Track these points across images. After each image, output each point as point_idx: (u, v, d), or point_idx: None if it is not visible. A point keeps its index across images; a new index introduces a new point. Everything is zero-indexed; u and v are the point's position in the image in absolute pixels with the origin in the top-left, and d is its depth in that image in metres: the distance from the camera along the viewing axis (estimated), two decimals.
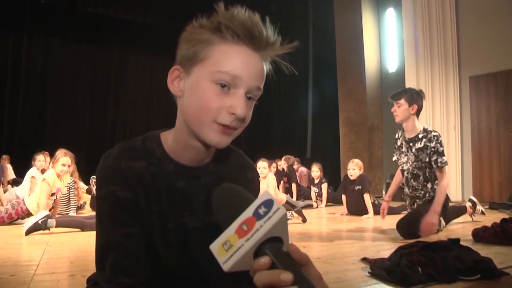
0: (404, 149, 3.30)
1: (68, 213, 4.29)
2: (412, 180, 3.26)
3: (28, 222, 3.11)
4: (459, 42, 6.61)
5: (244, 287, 0.84)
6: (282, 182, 6.59)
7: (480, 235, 2.83)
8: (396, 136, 3.42)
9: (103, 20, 9.19)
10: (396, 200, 6.03)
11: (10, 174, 7.05)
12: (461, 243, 2.15)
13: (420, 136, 3.17)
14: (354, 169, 4.80)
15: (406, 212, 3.82)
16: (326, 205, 5.95)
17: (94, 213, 4.22)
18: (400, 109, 3.18)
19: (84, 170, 5.75)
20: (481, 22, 6.32)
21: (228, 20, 0.74)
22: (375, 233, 3.53)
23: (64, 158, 3.88)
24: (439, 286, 1.75)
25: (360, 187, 4.72)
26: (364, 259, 2.20)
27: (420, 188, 3.23)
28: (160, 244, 0.85)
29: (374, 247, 2.75)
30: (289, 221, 3.96)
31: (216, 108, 0.75)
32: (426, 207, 3.17)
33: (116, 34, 9.52)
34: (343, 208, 4.93)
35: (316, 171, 6.07)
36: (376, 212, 4.66)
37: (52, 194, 3.85)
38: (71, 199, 4.41)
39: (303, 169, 7.33)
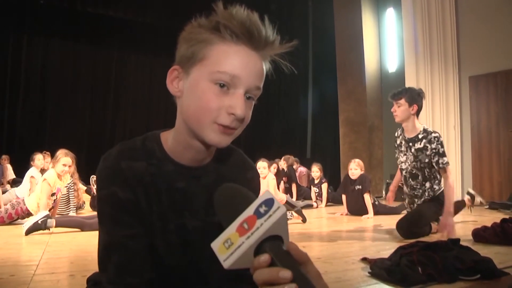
0: (403, 148, 3.30)
1: (68, 213, 4.28)
2: (410, 180, 3.26)
3: (28, 222, 3.10)
4: (459, 42, 6.61)
5: (244, 287, 0.85)
6: (282, 182, 6.59)
7: (480, 235, 2.83)
8: (396, 134, 3.41)
9: (102, 20, 9.20)
10: (396, 200, 6.04)
11: (10, 174, 7.05)
12: (461, 243, 2.15)
13: (420, 136, 3.17)
14: (356, 168, 4.80)
15: (406, 211, 3.82)
16: (326, 205, 5.95)
17: (94, 213, 4.25)
18: (400, 109, 3.17)
19: (84, 170, 5.75)
20: (481, 21, 6.31)
21: (226, 20, 0.74)
22: (375, 233, 3.53)
23: (65, 158, 3.88)
24: (439, 286, 1.75)
25: (360, 186, 4.72)
26: (364, 259, 2.20)
27: (418, 187, 3.23)
28: (161, 244, 0.85)
29: (374, 247, 2.75)
30: (289, 221, 3.96)
31: (216, 108, 0.75)
32: (425, 207, 3.18)
33: (116, 34, 9.52)
34: (343, 208, 4.92)
35: (316, 171, 6.07)
36: (376, 212, 4.67)
37: (53, 194, 3.85)
38: (70, 200, 4.41)
39: (302, 169, 7.33)
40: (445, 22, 6.63)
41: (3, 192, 4.84)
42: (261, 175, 4.55)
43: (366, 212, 4.59)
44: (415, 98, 3.15)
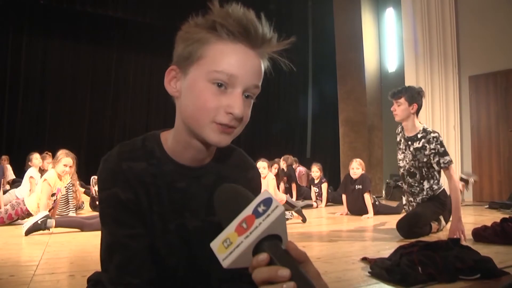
0: (402, 146, 3.30)
1: (67, 214, 4.29)
2: (408, 177, 3.27)
3: (28, 223, 3.11)
4: (459, 42, 6.61)
5: (244, 286, 0.85)
6: (281, 182, 6.59)
7: (480, 234, 2.83)
8: (397, 131, 3.41)
9: (102, 20, 9.19)
10: (396, 199, 6.05)
11: (10, 174, 7.04)
12: (461, 242, 2.15)
13: (419, 136, 3.16)
14: (358, 168, 4.80)
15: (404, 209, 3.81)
16: (326, 205, 5.96)
17: (93, 213, 4.25)
18: (400, 108, 3.17)
19: (83, 170, 5.76)
20: (481, 21, 6.32)
21: (222, 18, 0.73)
22: (375, 232, 3.53)
23: (66, 158, 3.89)
24: (439, 286, 1.75)
25: (360, 186, 4.72)
26: (364, 259, 2.20)
27: (416, 185, 3.23)
28: (161, 244, 0.85)
29: (374, 247, 2.75)
30: (289, 221, 3.96)
31: (214, 108, 0.75)
32: (425, 206, 3.18)
33: (115, 34, 9.51)
34: (343, 208, 4.92)
35: (316, 171, 6.07)
36: (377, 212, 4.67)
37: (53, 195, 3.85)
38: (69, 200, 4.42)
39: (301, 169, 7.33)
40: (444, 21, 6.63)
41: (4, 193, 4.84)
42: (261, 175, 4.55)
43: (366, 212, 4.59)
44: (415, 97, 3.15)
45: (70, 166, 3.92)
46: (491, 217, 3.89)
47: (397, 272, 1.83)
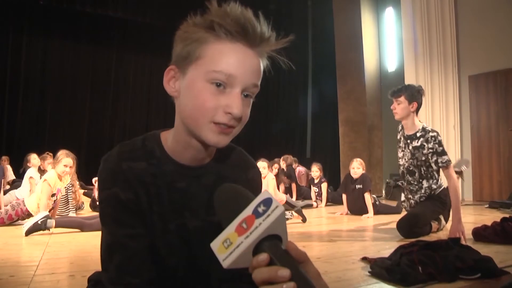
0: (401, 144, 3.31)
1: (67, 214, 4.29)
2: (408, 175, 3.27)
3: (28, 223, 3.10)
4: (459, 41, 6.61)
5: (244, 286, 0.85)
6: (282, 182, 6.59)
7: (480, 234, 2.83)
8: (399, 128, 3.41)
9: (102, 20, 9.19)
10: (396, 199, 6.04)
11: (10, 175, 7.04)
12: (461, 242, 2.15)
13: (418, 134, 3.16)
14: (358, 167, 4.81)
15: (404, 206, 3.81)
16: (326, 205, 5.96)
17: (93, 213, 4.25)
18: (400, 106, 3.17)
19: (83, 171, 5.76)
20: (481, 20, 6.31)
21: (220, 18, 0.73)
22: (375, 232, 3.53)
23: (66, 159, 3.89)
24: (439, 285, 1.75)
25: (361, 186, 4.72)
26: (364, 259, 2.20)
27: (415, 183, 3.23)
28: (161, 244, 0.85)
29: (374, 247, 2.75)
30: (289, 221, 3.96)
31: (212, 108, 0.74)
32: (425, 206, 3.18)
33: (115, 34, 9.52)
34: (343, 208, 4.92)
35: (316, 171, 6.08)
36: (377, 211, 4.67)
37: (53, 195, 3.85)
38: (69, 200, 4.42)
39: (301, 169, 7.33)
40: (444, 20, 6.63)
41: (5, 193, 4.84)
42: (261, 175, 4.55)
43: (366, 212, 4.59)
44: (415, 95, 3.15)
45: (70, 167, 3.92)
46: (491, 217, 3.89)
47: (397, 271, 1.83)
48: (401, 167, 3.32)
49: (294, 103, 11.46)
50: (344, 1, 8.66)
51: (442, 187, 3.22)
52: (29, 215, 3.64)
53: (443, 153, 3.05)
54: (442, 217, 3.34)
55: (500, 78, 6.19)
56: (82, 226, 3.32)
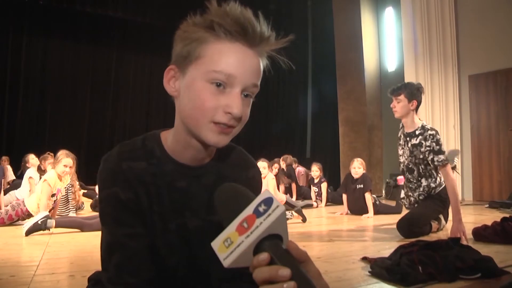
0: (401, 142, 3.32)
1: (67, 214, 4.29)
2: (407, 173, 3.29)
3: (28, 223, 3.10)
4: (459, 41, 6.61)
5: (244, 286, 0.85)
6: (282, 182, 6.59)
7: (481, 234, 2.83)
8: (400, 126, 3.42)
9: (102, 20, 9.19)
10: (396, 199, 6.04)
11: (10, 175, 7.04)
12: (461, 242, 2.15)
13: (417, 132, 3.17)
14: (359, 167, 4.81)
15: (403, 203, 3.81)
16: (326, 205, 5.96)
17: (93, 213, 4.25)
18: (400, 105, 3.17)
19: (83, 171, 5.75)
20: (481, 20, 6.32)
21: (220, 18, 0.73)
22: (375, 232, 3.53)
23: (66, 159, 3.89)
24: (439, 285, 1.75)
25: (362, 185, 4.72)
26: (364, 258, 2.20)
27: (414, 181, 3.24)
28: (161, 244, 0.85)
29: (374, 246, 2.75)
30: (289, 221, 3.96)
31: (212, 108, 0.75)
32: (425, 206, 3.18)
33: (115, 34, 9.51)
34: (343, 208, 4.92)
35: (315, 170, 6.08)
36: (377, 211, 4.67)
37: (53, 195, 3.85)
38: (69, 200, 4.42)
39: (300, 169, 7.33)
40: (444, 20, 6.63)
41: (5, 193, 4.84)
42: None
43: (366, 211, 4.59)
44: (415, 93, 3.15)
45: (70, 167, 3.92)
46: (491, 217, 3.89)
47: (397, 271, 1.83)
48: (401, 165, 3.34)
49: (294, 103, 11.46)
50: (344, 1, 8.66)
51: (442, 186, 3.21)
52: (29, 215, 3.64)
53: (440, 152, 3.03)
54: (442, 217, 3.34)
55: (500, 78, 6.19)
56: (82, 226, 3.32)
